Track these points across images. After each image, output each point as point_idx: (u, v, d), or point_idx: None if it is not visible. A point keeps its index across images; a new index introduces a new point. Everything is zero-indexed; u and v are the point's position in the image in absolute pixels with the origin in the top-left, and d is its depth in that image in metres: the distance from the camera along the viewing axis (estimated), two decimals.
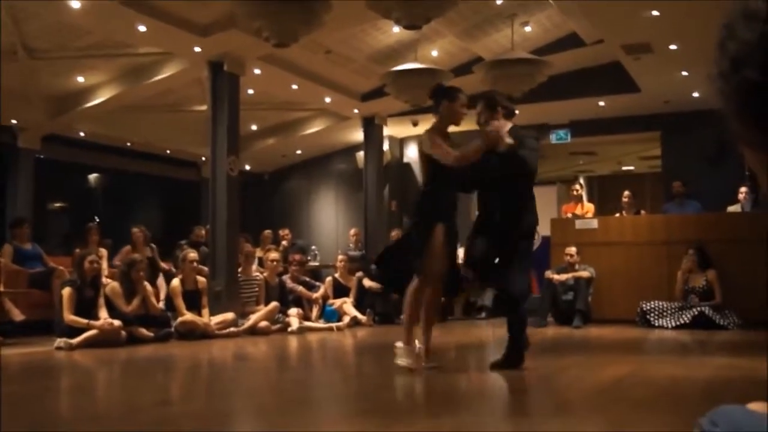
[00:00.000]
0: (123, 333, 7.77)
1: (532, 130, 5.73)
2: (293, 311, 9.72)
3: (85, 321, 7.62)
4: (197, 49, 9.79)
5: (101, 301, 7.95)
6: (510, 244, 5.43)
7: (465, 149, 5.33)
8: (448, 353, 7.36)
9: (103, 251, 10.03)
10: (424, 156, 5.46)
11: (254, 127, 14.65)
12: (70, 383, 5.72)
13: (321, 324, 10.16)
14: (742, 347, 7.26)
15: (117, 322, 7.71)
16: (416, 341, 5.49)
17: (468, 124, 6.06)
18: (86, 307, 7.74)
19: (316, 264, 13.51)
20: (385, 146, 14.79)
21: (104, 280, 8.79)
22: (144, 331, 8.08)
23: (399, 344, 5.44)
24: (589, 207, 11.67)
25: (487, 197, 5.64)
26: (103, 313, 7.82)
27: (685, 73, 11.03)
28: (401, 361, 5.37)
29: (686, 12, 8.52)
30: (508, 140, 5.31)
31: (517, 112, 6.16)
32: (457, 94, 5.54)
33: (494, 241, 5.44)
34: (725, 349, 7.29)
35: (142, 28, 9.09)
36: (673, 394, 4.52)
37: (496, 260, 5.43)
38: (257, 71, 11.00)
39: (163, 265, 10.42)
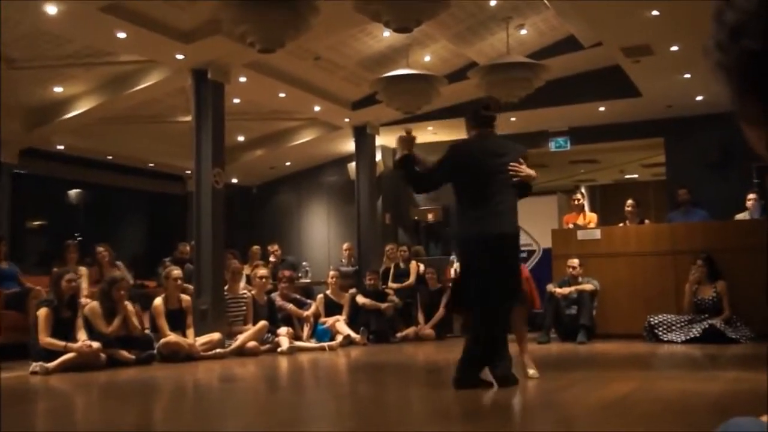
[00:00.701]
0: (102, 356, 7.68)
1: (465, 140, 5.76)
2: (283, 330, 9.64)
3: (62, 343, 7.51)
4: (180, 57, 9.74)
5: (79, 322, 7.86)
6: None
7: None
8: (449, 370, 7.28)
9: (83, 270, 9.96)
10: None
11: (241, 138, 14.61)
12: (47, 407, 5.63)
13: (312, 343, 10.08)
14: (753, 360, 7.21)
15: (96, 345, 7.62)
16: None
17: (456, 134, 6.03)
18: (63, 329, 7.65)
19: (307, 281, 13.44)
20: (378, 156, 14.77)
21: (83, 300, 8.71)
22: (125, 353, 7.97)
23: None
24: (591, 217, 11.63)
25: None
26: (82, 335, 7.73)
27: (687, 76, 11.02)
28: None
29: (687, 11, 8.49)
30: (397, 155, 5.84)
31: (513, 119, 6.19)
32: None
33: None
34: (736, 362, 7.25)
35: (122, 35, 9.04)
36: (682, 408, 4.47)
37: None
38: (243, 79, 10.97)
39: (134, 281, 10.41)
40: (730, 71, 0.75)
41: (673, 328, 9.35)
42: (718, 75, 0.78)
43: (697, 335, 9.07)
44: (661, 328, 9.40)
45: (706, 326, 9.09)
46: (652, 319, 9.48)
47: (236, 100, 12.18)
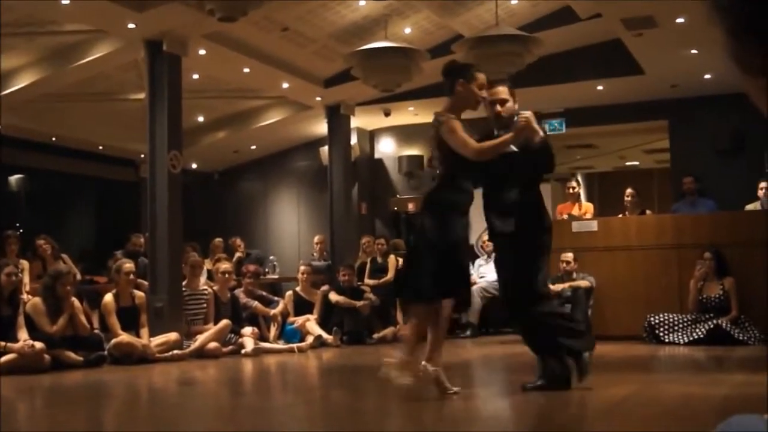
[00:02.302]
0: (46, 357, 7.67)
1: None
2: (247, 330, 9.65)
3: (1, 343, 7.52)
4: (131, 26, 9.70)
5: (20, 320, 7.85)
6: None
7: (490, 143, 5.32)
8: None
9: (25, 263, 9.95)
10: (443, 141, 5.35)
11: (201, 119, 14.56)
12: None
13: (280, 345, 10.10)
14: (762, 363, 7.29)
15: (39, 345, 7.61)
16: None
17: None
18: (3, 328, 7.64)
19: (275, 276, 13.45)
20: (353, 140, 14.77)
21: (24, 296, 8.68)
22: (72, 354, 7.97)
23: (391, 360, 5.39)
24: (587, 207, 11.71)
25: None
26: (23, 334, 7.71)
27: (694, 52, 11.10)
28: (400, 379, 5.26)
29: None
30: (541, 132, 5.37)
31: None
32: (474, 72, 5.51)
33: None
34: (744, 365, 7.35)
35: (66, 1, 8.98)
36: (684, 413, 4.54)
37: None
38: (202, 52, 10.94)
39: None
40: (727, 11, 0.76)
41: (676, 328, 9.44)
42: (713, 17, 0.78)
43: (702, 336, 9.17)
44: (662, 329, 9.48)
45: (712, 326, 9.18)
46: (652, 319, 9.57)
47: (195, 76, 12.13)
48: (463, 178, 5.35)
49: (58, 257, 10.39)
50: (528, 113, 5.35)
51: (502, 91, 5.59)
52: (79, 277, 10.60)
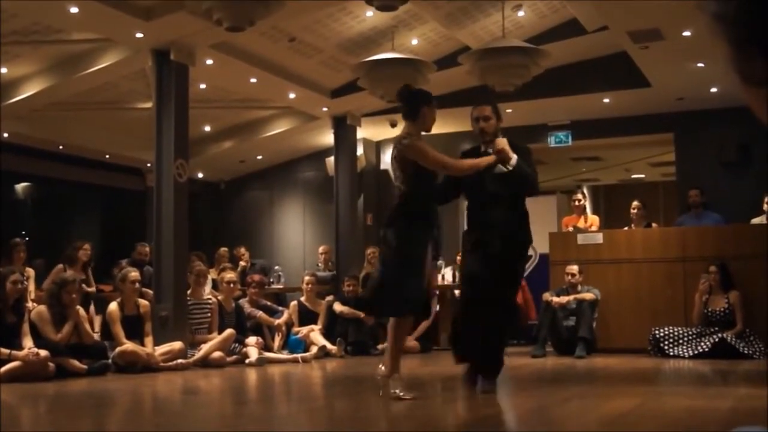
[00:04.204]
0: (51, 365, 7.66)
1: (524, 144, 6.24)
2: (252, 340, 9.65)
3: (6, 351, 7.50)
4: (139, 35, 9.73)
5: (26, 327, 7.84)
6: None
7: (477, 161, 5.84)
8: (434, 384, 7.37)
9: (30, 271, 9.97)
10: (407, 162, 5.71)
11: (207, 129, 14.60)
12: None
13: (284, 355, 10.10)
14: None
15: (44, 353, 7.60)
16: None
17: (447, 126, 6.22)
18: (8, 335, 7.64)
19: (280, 286, 13.46)
20: (359, 150, 14.79)
21: (30, 303, 8.70)
22: (76, 362, 7.96)
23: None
24: (593, 219, 11.71)
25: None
26: (28, 342, 7.71)
27: (701, 65, 11.10)
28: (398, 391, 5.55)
29: None
30: (514, 159, 5.78)
31: (509, 111, 6.37)
32: (433, 99, 6.03)
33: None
34: (749, 378, 7.34)
35: (74, 10, 9.01)
36: (688, 426, 4.53)
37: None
38: (209, 61, 10.97)
39: (89, 289, 10.38)
40: (729, 22, 0.76)
41: (681, 341, 9.42)
42: (715, 28, 0.78)
43: (707, 350, 9.16)
44: (667, 342, 9.47)
45: (717, 340, 9.17)
46: (657, 332, 9.55)
47: (202, 86, 12.17)
48: (425, 194, 5.81)
49: (88, 265, 10.44)
50: (503, 140, 5.83)
51: (486, 109, 6.12)
52: (93, 288, 10.64)
